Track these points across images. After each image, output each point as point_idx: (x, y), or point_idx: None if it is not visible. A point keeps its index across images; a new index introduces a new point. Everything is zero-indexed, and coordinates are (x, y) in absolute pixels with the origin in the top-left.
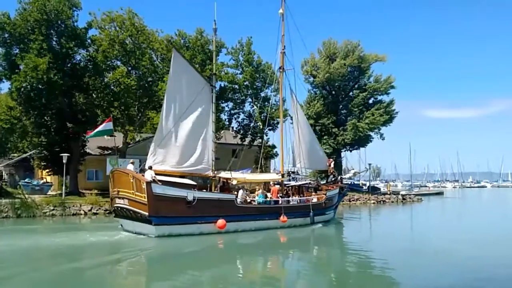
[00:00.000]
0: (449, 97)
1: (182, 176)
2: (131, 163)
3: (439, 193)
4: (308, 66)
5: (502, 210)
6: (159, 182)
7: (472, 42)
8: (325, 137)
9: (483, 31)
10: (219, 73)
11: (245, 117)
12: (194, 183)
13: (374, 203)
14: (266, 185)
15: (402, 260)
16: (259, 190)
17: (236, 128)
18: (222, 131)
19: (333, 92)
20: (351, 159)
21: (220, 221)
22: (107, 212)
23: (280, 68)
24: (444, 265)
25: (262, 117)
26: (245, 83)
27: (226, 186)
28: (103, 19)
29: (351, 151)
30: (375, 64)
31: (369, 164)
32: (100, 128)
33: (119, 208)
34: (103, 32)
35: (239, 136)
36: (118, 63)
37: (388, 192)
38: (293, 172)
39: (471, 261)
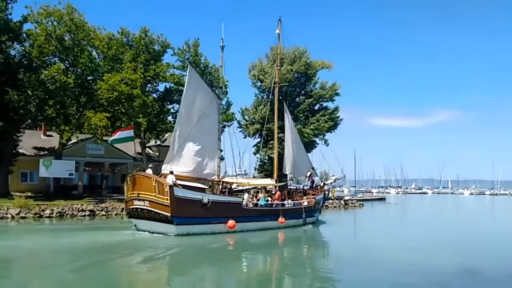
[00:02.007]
0: (396, 107)
1: (191, 180)
2: (150, 167)
3: (382, 199)
4: (256, 70)
5: (438, 216)
6: (179, 186)
7: (419, 55)
8: (271, 142)
9: (430, 44)
10: (163, 74)
11: None
12: (206, 187)
13: None
14: (265, 190)
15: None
16: (261, 194)
17: None
18: (167, 134)
19: (280, 97)
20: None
21: (231, 222)
22: (37, 215)
23: (276, 83)
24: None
25: None
26: None
27: (228, 190)
28: (39, 13)
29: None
30: (323, 71)
31: (313, 169)
32: (120, 135)
33: (137, 209)
34: (40, 27)
35: None
36: (56, 59)
37: (332, 197)
38: (291, 179)
39: (385, 266)
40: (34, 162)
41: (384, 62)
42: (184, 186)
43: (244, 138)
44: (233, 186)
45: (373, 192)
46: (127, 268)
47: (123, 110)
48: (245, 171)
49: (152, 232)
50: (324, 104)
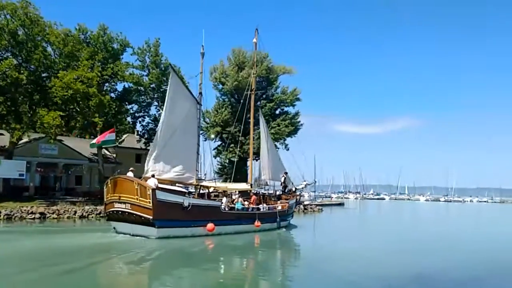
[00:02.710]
0: (357, 114)
1: (171, 184)
2: (131, 170)
3: (340, 204)
4: (217, 73)
5: (392, 221)
6: (161, 189)
7: (381, 63)
8: (231, 146)
9: (391, 53)
10: (122, 73)
11: (150, 121)
12: (185, 191)
13: None
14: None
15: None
16: (238, 198)
17: (140, 132)
18: (126, 135)
19: (241, 101)
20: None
21: (210, 225)
22: None
23: (252, 90)
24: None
25: None
26: (151, 86)
27: (204, 193)
28: None
29: (257, 160)
30: (284, 77)
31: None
32: (104, 138)
33: (117, 212)
34: None
35: (143, 140)
36: (8, 54)
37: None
38: (266, 184)
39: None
40: None
41: (347, 70)
42: (165, 190)
43: (205, 141)
44: (211, 190)
45: (332, 197)
46: (110, 270)
47: (78, 109)
48: (205, 174)
49: (133, 235)
50: (285, 109)
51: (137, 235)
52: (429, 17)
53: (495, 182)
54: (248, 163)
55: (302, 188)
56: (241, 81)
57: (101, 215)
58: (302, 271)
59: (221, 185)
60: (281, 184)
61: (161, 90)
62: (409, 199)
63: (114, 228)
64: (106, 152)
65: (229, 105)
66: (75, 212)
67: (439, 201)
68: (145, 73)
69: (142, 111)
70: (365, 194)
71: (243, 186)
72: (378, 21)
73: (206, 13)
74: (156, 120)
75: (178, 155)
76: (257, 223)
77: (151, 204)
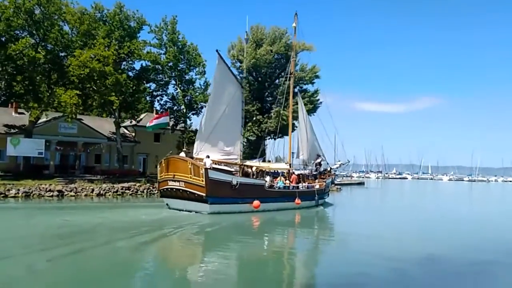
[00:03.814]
0: (379, 92)
1: (220, 164)
2: (184, 151)
3: (361, 183)
4: (235, 50)
5: (413, 201)
6: (212, 169)
7: (406, 44)
8: (249, 124)
9: (416, 33)
10: (139, 51)
11: (168, 100)
12: (232, 170)
13: None
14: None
15: None
16: (280, 177)
17: (159, 110)
18: (144, 114)
19: (259, 79)
20: (276, 147)
21: (256, 202)
22: (2, 195)
23: (291, 73)
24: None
25: (186, 101)
26: (169, 64)
27: (249, 172)
28: None
29: (275, 139)
30: (304, 54)
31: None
32: (157, 121)
33: (172, 189)
34: None
35: None
36: (25, 33)
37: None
38: (306, 164)
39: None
40: (3, 141)
41: (372, 49)
42: (215, 169)
43: None
44: (253, 169)
45: (353, 177)
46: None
47: (95, 88)
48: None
49: (185, 210)
50: (304, 87)
51: (189, 211)
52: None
53: None
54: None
55: (337, 167)
56: (259, 58)
57: (118, 193)
58: (335, 247)
59: (263, 164)
60: (316, 165)
61: (178, 68)
62: (432, 179)
63: (167, 204)
64: (125, 131)
65: (246, 83)
66: (93, 190)
67: (463, 180)
68: (162, 52)
69: (160, 90)
70: (387, 173)
71: (282, 166)
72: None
73: None
74: (174, 98)
75: (224, 137)
76: (297, 200)
77: (204, 182)
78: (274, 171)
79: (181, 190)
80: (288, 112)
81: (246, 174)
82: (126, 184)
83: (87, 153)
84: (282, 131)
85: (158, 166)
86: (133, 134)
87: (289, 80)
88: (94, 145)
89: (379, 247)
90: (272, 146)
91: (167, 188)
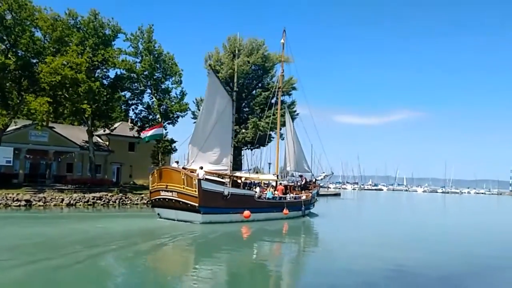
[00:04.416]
0: (356, 105)
1: (210, 174)
2: (176, 162)
3: (337, 194)
4: (212, 60)
5: (379, 213)
6: (205, 180)
7: (381, 56)
8: None
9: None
10: (113, 59)
11: (143, 109)
12: (223, 181)
13: None
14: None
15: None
16: (269, 188)
17: (134, 120)
18: (119, 123)
19: (236, 89)
20: (253, 158)
21: (246, 212)
22: None
23: (279, 88)
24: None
25: (161, 110)
26: (144, 73)
27: (240, 183)
28: None
29: (251, 149)
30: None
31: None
32: (153, 131)
33: (164, 199)
34: None
35: (136, 128)
36: None
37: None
38: (292, 175)
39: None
40: None
41: (347, 61)
42: (208, 180)
43: None
44: (242, 179)
45: (330, 188)
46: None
47: (67, 95)
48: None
49: (178, 220)
50: (281, 98)
51: (181, 221)
52: (429, 14)
53: (492, 174)
54: (242, 152)
55: (322, 179)
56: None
57: (89, 203)
58: (322, 254)
59: (252, 175)
60: (300, 177)
61: (154, 77)
62: (406, 190)
63: (158, 214)
64: (99, 140)
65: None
66: (63, 199)
67: (437, 192)
68: (138, 60)
69: (135, 99)
70: (363, 185)
71: (270, 177)
72: (376, 16)
73: None
74: (149, 107)
75: (216, 148)
76: (285, 211)
77: (196, 193)
78: (259, 182)
79: (173, 200)
80: (266, 123)
81: (235, 185)
82: (97, 194)
83: (58, 162)
84: (259, 141)
85: (150, 177)
86: (107, 143)
87: (277, 94)
88: (66, 153)
89: (361, 254)
90: (250, 156)
91: (159, 198)
